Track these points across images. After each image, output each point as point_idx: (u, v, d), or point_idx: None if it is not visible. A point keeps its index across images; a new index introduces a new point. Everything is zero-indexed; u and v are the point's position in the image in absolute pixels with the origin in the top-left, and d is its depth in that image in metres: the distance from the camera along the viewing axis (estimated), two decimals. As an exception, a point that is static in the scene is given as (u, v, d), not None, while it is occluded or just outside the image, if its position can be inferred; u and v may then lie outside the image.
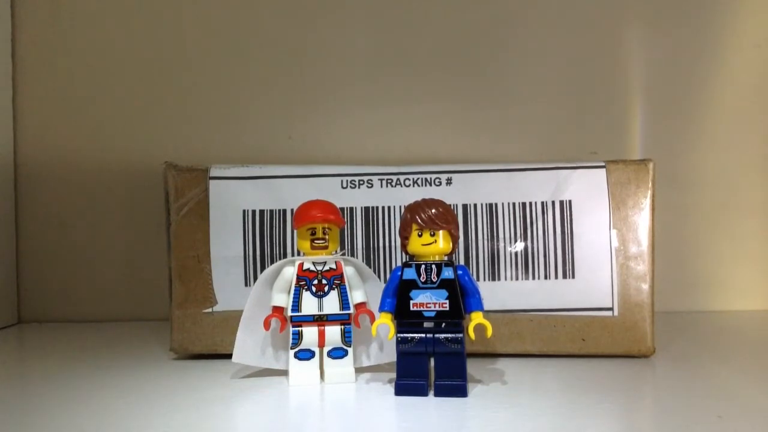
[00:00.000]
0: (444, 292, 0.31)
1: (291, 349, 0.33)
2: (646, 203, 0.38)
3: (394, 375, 0.31)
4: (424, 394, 0.31)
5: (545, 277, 0.38)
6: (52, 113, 0.54)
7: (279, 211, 0.39)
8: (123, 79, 0.54)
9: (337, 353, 0.33)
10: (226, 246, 0.38)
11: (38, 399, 0.31)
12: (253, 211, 0.39)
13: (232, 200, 0.39)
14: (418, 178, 0.39)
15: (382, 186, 0.39)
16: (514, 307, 0.38)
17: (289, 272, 0.34)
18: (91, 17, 0.54)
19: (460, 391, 0.30)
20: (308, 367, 0.33)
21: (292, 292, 0.33)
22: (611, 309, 0.37)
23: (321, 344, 0.33)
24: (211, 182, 0.39)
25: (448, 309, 0.31)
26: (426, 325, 0.31)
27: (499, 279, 0.38)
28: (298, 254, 0.35)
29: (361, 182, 0.39)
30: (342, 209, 0.37)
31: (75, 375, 0.35)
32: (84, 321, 0.53)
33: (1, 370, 0.39)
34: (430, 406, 0.29)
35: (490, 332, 0.31)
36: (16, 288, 0.54)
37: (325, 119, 0.54)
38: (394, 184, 0.39)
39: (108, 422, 0.28)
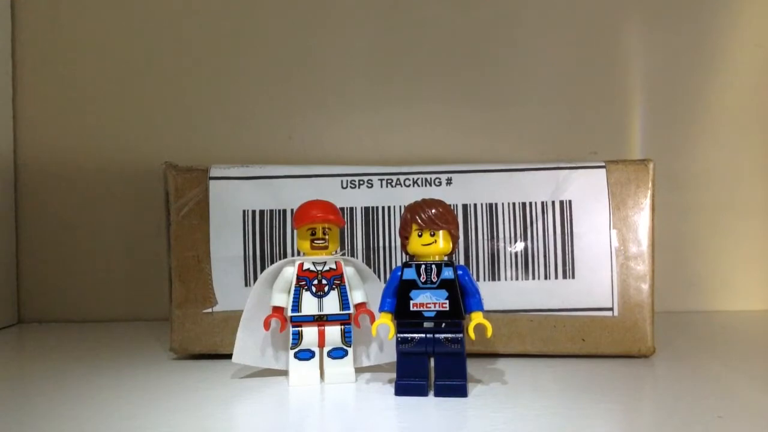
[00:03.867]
0: (444, 292, 0.31)
1: (291, 349, 0.33)
2: (646, 203, 0.38)
3: (394, 375, 0.31)
4: (424, 394, 0.31)
5: (545, 277, 0.38)
6: (52, 113, 0.54)
7: (279, 211, 0.39)
8: (123, 79, 0.54)
9: (337, 353, 0.33)
10: (226, 246, 0.38)
11: (38, 399, 0.31)
12: (253, 211, 0.39)
13: (232, 200, 0.39)
14: (418, 178, 0.39)
15: (382, 186, 0.39)
16: (514, 307, 0.38)
17: (289, 272, 0.34)
18: (91, 17, 0.54)
19: (460, 391, 0.30)
20: (308, 367, 0.33)
21: (292, 292, 0.33)
22: (611, 309, 0.37)
23: (321, 344, 0.33)
24: (211, 182, 0.39)
25: (448, 309, 0.31)
26: (426, 325, 0.31)
27: (499, 279, 0.38)
28: (298, 254, 0.35)
29: (361, 182, 0.39)
30: (342, 209, 0.37)
31: (75, 375, 0.35)
32: (84, 321, 0.53)
33: (1, 370, 0.39)
34: (430, 406, 0.29)
35: (490, 332, 0.31)
36: (16, 288, 0.54)
37: (325, 119, 0.54)
38: (394, 184, 0.39)
39: (108, 422, 0.28)
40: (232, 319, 0.36)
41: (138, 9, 0.54)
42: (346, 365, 0.34)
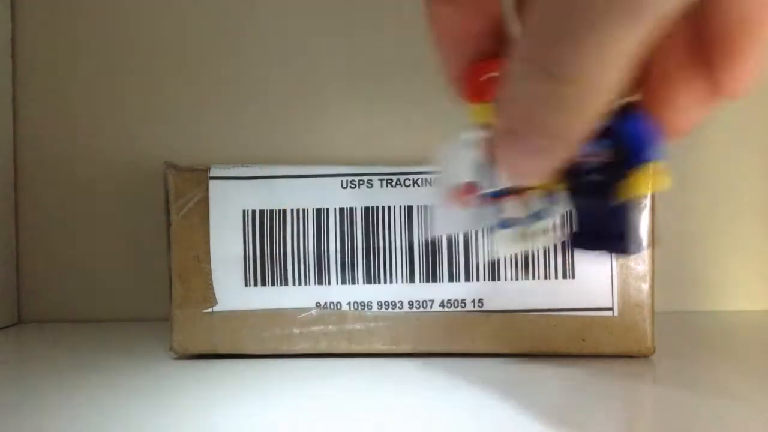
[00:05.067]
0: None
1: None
2: (646, 203, 0.38)
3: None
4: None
5: (545, 277, 0.38)
6: (52, 113, 0.54)
7: (279, 211, 0.39)
8: (123, 79, 0.54)
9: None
10: (226, 246, 0.38)
11: (38, 399, 0.31)
12: (253, 211, 0.39)
13: (232, 200, 0.39)
14: (418, 178, 0.39)
15: (382, 186, 0.39)
16: (514, 307, 0.38)
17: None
18: (91, 17, 0.54)
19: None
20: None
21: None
22: (611, 309, 0.37)
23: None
24: (211, 182, 0.39)
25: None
26: None
27: (499, 279, 0.38)
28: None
29: (361, 182, 0.39)
30: (342, 209, 0.37)
31: (75, 375, 0.35)
32: (84, 321, 0.53)
33: (1, 370, 0.39)
34: (430, 405, 0.29)
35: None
36: (16, 288, 0.54)
37: (325, 119, 0.54)
38: (394, 184, 0.39)
39: (108, 422, 0.28)
40: (232, 319, 0.36)
41: (138, 8, 0.54)
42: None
